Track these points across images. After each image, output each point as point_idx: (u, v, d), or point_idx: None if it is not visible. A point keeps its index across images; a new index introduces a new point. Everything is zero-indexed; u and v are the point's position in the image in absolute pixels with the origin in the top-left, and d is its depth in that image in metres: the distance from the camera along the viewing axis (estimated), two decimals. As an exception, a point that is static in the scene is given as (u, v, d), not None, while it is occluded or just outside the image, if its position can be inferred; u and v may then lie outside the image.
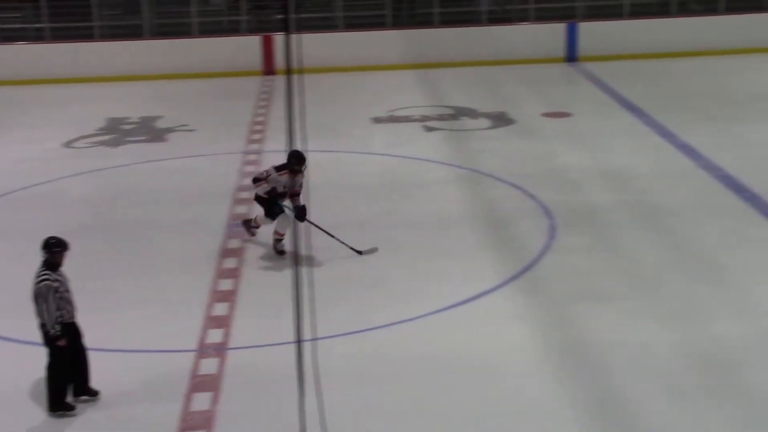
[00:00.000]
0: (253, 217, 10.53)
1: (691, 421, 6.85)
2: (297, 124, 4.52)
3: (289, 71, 4.63)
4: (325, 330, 7.27)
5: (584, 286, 9.19)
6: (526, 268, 9.59)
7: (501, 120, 15.77)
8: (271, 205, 9.97)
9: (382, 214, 11.39)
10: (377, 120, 16.05)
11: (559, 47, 20.59)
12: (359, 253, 9.98)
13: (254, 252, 10.28)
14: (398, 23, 21.09)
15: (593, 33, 20.56)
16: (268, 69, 19.95)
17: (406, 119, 16.07)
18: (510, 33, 20.79)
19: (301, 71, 5.41)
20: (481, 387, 7.40)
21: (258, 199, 10.14)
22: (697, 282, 9.17)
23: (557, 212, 11.14)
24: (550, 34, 20.62)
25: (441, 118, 16.11)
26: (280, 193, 9.90)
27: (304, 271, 9.39)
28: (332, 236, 9.99)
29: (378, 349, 8.07)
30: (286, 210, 9.91)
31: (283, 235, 9.98)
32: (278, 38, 19.70)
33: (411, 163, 13.50)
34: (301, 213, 9.75)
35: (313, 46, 17.54)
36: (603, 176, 12.58)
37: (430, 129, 15.40)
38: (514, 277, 9.37)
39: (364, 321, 8.49)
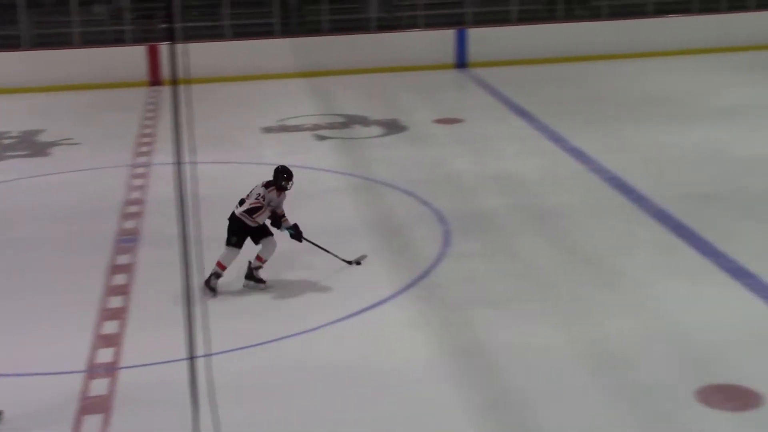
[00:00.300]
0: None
1: (588, 421, 7.01)
2: (185, 136, 4.48)
3: (175, 82, 4.58)
4: (220, 345, 7.19)
5: (480, 291, 9.32)
6: (422, 276, 9.67)
7: (393, 127, 15.89)
8: (236, 232, 9.15)
9: (276, 225, 11.34)
10: (268, 130, 15.98)
11: (449, 53, 20.87)
12: (350, 263, 9.79)
13: (144, 267, 10.11)
14: (287, 31, 21.06)
15: (482, 39, 20.92)
16: (155, 80, 19.66)
17: (297, 128, 16.05)
18: (400, 40, 20.98)
19: (188, 81, 5.35)
20: (380, 396, 7.42)
21: (234, 220, 9.17)
22: (590, 283, 9.39)
23: (451, 218, 11.27)
24: (440, 41, 20.87)
25: (332, 126, 16.14)
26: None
27: (196, 285, 9.30)
28: (326, 250, 9.74)
29: (274, 363, 8.02)
30: (286, 232, 9.43)
31: (262, 264, 9.33)
32: (164, 48, 19.45)
33: (303, 173, 13.43)
34: (298, 232, 9.48)
35: (200, 55, 17.39)
36: (496, 181, 12.79)
37: (321, 138, 15.41)
38: (410, 285, 9.44)
39: (260, 334, 8.43)
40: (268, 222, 9.32)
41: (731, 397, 7.21)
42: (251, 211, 9.12)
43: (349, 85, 19.29)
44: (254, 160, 14.11)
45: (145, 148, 14.89)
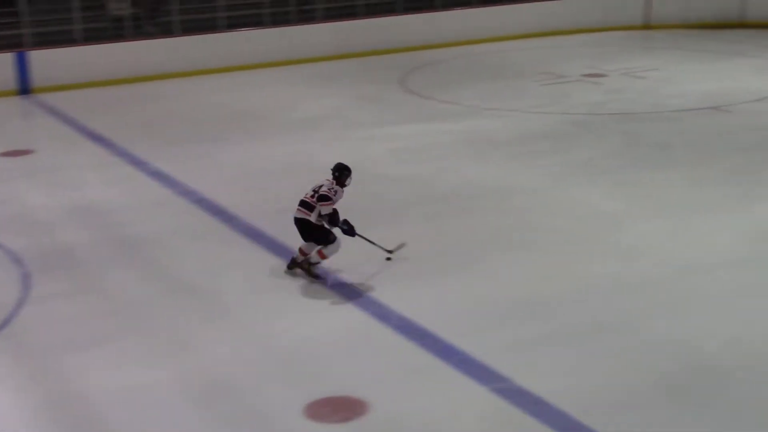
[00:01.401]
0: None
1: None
2: None
3: None
4: None
5: (70, 334, 8.99)
6: (2, 326, 9.15)
7: (-49, 164, 14.90)
8: (327, 231, 9.78)
9: None
10: None
11: (10, 79, 19.90)
12: (390, 252, 10.30)
13: None
14: None
15: (46, 62, 20.21)
16: None
17: None
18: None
19: None
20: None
21: (306, 223, 9.79)
22: (189, 312, 9.41)
23: (29, 258, 10.78)
24: (-3, 66, 19.89)
25: None
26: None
27: None
28: (373, 242, 10.20)
29: None
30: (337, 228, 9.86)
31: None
32: None
33: None
34: (350, 226, 9.87)
35: None
36: (76, 213, 12.43)
37: None
38: (-11, 338, 8.91)
39: None
40: (324, 215, 9.75)
41: (339, 408, 7.57)
42: (321, 198, 9.67)
43: None
44: None
45: None
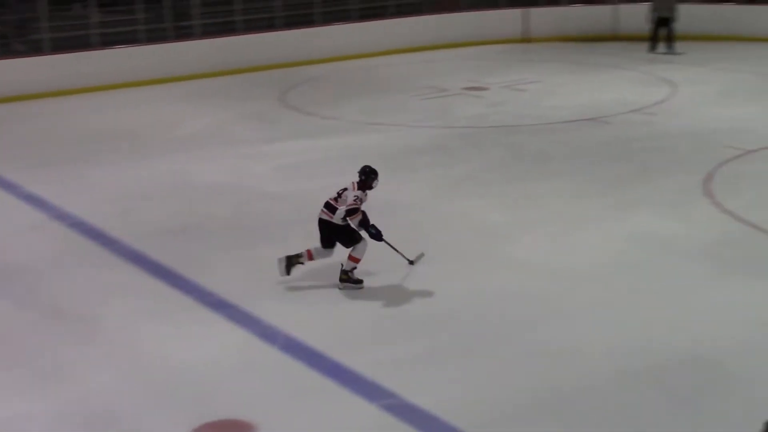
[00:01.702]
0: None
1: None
2: None
3: None
4: None
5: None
6: None
7: None
8: (352, 231, 9.94)
9: None
10: None
11: None
12: (412, 263, 10.48)
13: None
14: None
15: None
16: None
17: None
18: None
19: None
20: None
21: (333, 226, 9.93)
22: (67, 340, 9.18)
23: None
24: None
25: None
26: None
27: None
28: (396, 250, 10.36)
29: None
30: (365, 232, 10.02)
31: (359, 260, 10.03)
32: None
33: None
34: (378, 231, 10.02)
35: None
36: None
37: None
38: None
39: None
40: (353, 223, 9.97)
41: (226, 431, 7.50)
42: (350, 212, 9.82)
43: None
44: None
45: None
